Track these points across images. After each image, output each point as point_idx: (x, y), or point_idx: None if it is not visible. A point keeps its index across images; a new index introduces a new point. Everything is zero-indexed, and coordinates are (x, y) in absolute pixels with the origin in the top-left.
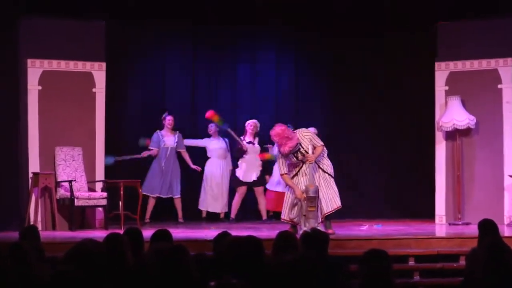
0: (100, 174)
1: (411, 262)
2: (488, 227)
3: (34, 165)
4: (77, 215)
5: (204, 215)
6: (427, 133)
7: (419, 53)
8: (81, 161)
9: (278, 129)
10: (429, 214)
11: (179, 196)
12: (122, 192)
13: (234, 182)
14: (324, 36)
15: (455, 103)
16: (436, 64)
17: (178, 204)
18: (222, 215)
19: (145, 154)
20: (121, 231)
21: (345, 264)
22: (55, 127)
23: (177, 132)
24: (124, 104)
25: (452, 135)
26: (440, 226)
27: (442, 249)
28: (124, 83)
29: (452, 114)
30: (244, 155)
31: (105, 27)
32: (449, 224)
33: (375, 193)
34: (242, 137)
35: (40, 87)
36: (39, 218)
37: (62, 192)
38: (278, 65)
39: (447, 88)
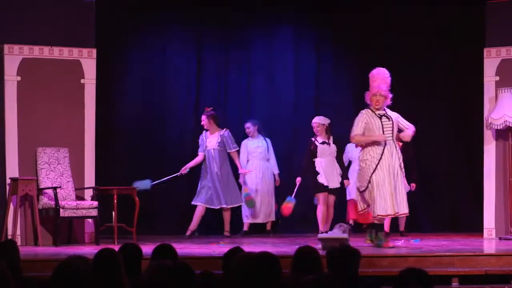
0: (89, 179)
1: (455, 284)
2: None
3: (12, 170)
4: (63, 228)
5: (245, 228)
6: (474, 132)
7: (465, 36)
8: (68, 165)
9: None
10: (476, 227)
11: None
12: (115, 201)
13: (315, 189)
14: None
15: (507, 96)
16: (485, 50)
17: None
18: (268, 227)
19: (184, 170)
20: (115, 247)
21: (377, 286)
22: (37, 125)
23: (224, 129)
24: (118, 98)
25: (504, 133)
26: (489, 241)
27: (491, 269)
28: (118, 73)
29: (503, 109)
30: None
31: (95, 7)
32: (500, 239)
33: (412, 201)
34: (313, 138)
35: (19, 78)
36: (18, 231)
37: (45, 201)
38: (296, 47)
39: (497, 78)
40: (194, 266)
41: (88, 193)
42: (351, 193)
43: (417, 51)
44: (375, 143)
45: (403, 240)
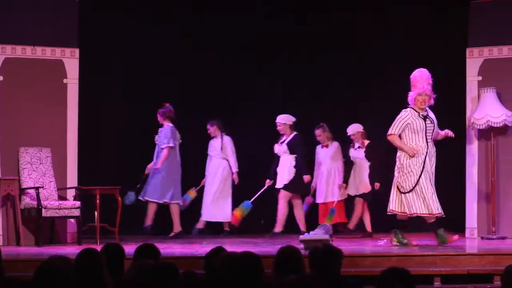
0: (72, 179)
1: (437, 283)
2: None
3: None
4: (45, 228)
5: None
6: (457, 132)
7: (448, 36)
8: (50, 165)
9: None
10: (458, 227)
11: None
12: (98, 201)
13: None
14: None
15: (489, 96)
16: (468, 50)
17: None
18: (226, 226)
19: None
20: (98, 247)
21: (359, 286)
22: (19, 125)
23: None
24: (101, 98)
25: (486, 134)
26: (471, 240)
27: (473, 268)
28: (101, 73)
29: (485, 109)
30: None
31: (78, 6)
32: (482, 238)
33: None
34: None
35: (1, 78)
36: (0, 231)
37: (27, 201)
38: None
39: (480, 78)
40: (177, 266)
41: (71, 193)
42: (320, 197)
43: (401, 51)
44: (415, 144)
45: (385, 240)
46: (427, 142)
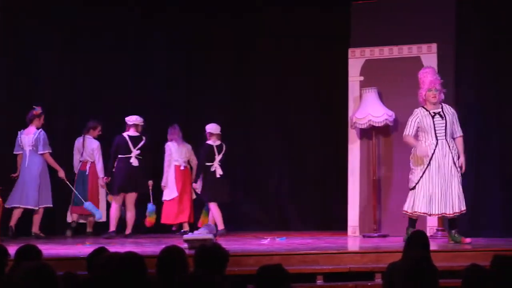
0: None
1: (320, 281)
2: (418, 240)
3: None
4: None
5: (74, 225)
6: (339, 131)
7: (332, 37)
8: None
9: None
10: (341, 226)
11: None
12: None
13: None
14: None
15: (371, 96)
16: (350, 50)
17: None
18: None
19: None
20: None
21: (243, 285)
22: None
23: (39, 130)
24: None
25: (368, 133)
26: (353, 239)
27: (355, 266)
28: None
29: (367, 108)
30: None
31: None
32: (364, 236)
33: (278, 201)
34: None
35: None
36: None
37: None
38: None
39: (362, 78)
40: (59, 267)
41: None
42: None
43: (285, 51)
44: (427, 142)
45: (269, 239)
46: (437, 140)
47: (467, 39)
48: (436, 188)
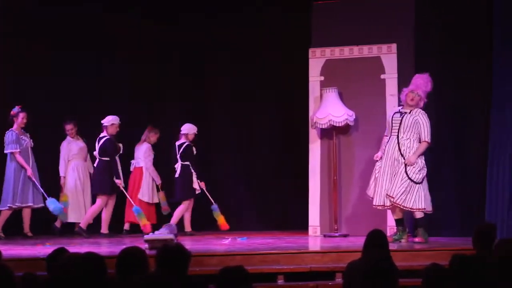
0: None
1: (281, 281)
2: (376, 240)
3: None
4: None
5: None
6: (300, 131)
7: (292, 37)
8: None
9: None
10: (301, 225)
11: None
12: None
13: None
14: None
15: (331, 96)
16: (310, 50)
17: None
18: (76, 227)
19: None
20: None
21: (204, 285)
22: None
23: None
24: None
25: (328, 133)
26: (314, 238)
27: (315, 265)
28: None
29: (328, 108)
30: None
31: None
32: (324, 236)
33: (239, 201)
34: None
35: None
36: None
37: None
38: None
39: (322, 78)
40: (19, 268)
41: None
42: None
43: (245, 51)
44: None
45: (230, 239)
46: (390, 135)
47: (426, 39)
48: (382, 181)
